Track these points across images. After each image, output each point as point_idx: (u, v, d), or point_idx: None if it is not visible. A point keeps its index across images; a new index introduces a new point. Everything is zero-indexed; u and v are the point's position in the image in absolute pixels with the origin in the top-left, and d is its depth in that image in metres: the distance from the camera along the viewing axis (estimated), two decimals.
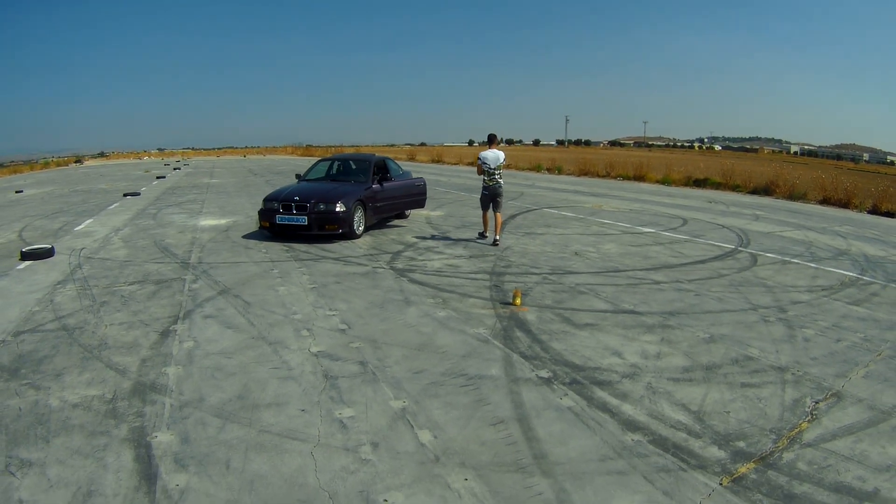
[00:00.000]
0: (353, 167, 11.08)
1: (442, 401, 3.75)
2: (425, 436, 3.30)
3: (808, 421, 3.56)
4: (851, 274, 7.64)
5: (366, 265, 7.76)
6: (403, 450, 3.15)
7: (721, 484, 2.87)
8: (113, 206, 14.70)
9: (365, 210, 9.94)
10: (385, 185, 10.68)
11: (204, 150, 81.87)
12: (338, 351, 4.62)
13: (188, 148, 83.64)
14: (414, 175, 12.37)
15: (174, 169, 33.70)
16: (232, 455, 3.09)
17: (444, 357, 4.49)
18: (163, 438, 3.28)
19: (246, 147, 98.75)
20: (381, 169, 11.01)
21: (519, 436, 3.30)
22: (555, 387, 3.98)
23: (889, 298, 6.52)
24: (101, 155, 60.72)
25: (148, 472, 2.96)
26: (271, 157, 57.08)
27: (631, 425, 3.46)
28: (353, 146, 77.14)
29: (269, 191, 13.51)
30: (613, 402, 3.76)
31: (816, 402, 3.82)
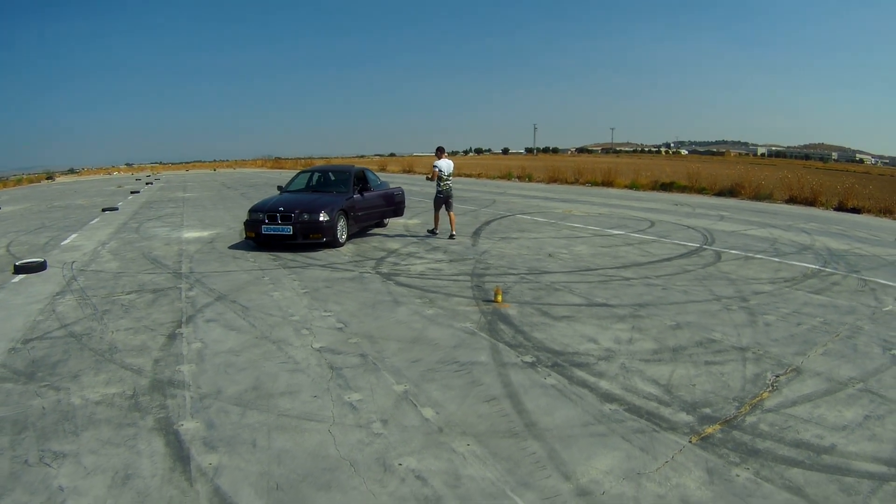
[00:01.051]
0: (334, 178, 11.44)
1: (439, 384, 4.16)
2: (428, 412, 3.71)
3: (769, 391, 4.05)
4: (814, 266, 8.26)
5: (352, 270, 8.12)
6: (410, 424, 3.55)
7: (690, 441, 3.33)
8: (94, 221, 14.77)
9: (347, 219, 10.30)
10: (365, 194, 11.06)
11: (172, 164, 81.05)
12: (338, 346, 4.99)
13: (156, 162, 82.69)
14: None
15: (146, 184, 33.54)
16: (256, 436, 3.45)
17: (437, 348, 4.90)
18: (189, 426, 3.61)
19: (215, 161, 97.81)
20: (361, 179, 11.39)
21: (510, 409, 3.73)
22: (539, 369, 4.42)
23: (850, 287, 7.10)
24: (72, 171, 59.87)
25: (181, 455, 3.28)
26: (242, 171, 56.86)
27: (608, 397, 3.92)
28: (322, 158, 77.33)
29: (246, 203, 13.79)
30: (591, 379, 4.22)
31: (777, 376, 4.31)
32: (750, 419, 3.61)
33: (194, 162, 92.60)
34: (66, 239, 11.70)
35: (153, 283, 7.60)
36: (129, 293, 7.06)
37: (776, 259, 8.77)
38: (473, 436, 3.39)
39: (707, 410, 3.73)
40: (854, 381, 4.24)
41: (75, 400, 4.06)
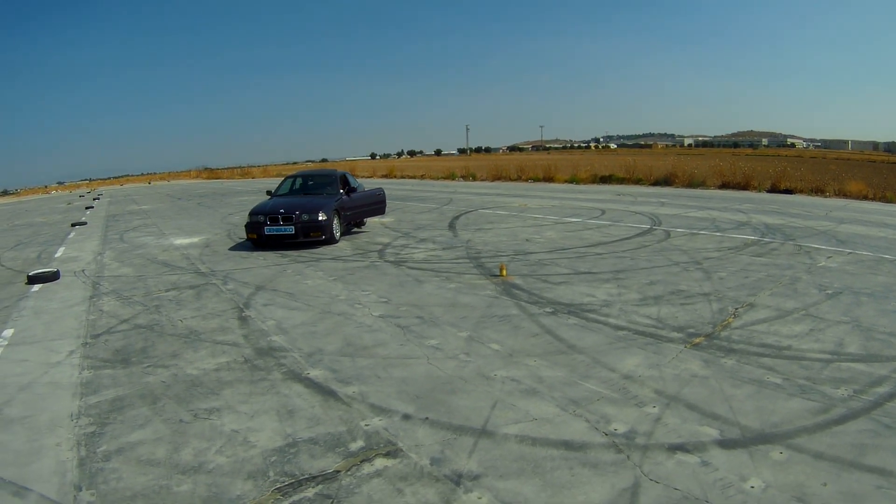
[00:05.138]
0: (322, 181, 12.43)
1: (491, 330, 5.41)
2: (494, 346, 4.97)
3: (733, 318, 5.53)
4: (753, 237, 9.94)
5: (363, 261, 9.20)
6: (486, 354, 4.79)
7: (686, 347, 4.77)
8: (72, 235, 14.96)
9: (339, 218, 11.33)
10: (352, 195, 12.13)
11: (101, 179, 77.80)
12: (394, 313, 6.13)
13: (86, 179, 79.10)
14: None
15: (94, 199, 32.76)
16: (376, 372, 4.54)
17: (474, 309, 6.14)
18: (315, 373, 4.60)
19: (143, 174, 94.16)
20: (345, 182, 12.44)
21: (552, 340, 5.05)
22: (559, 315, 5.76)
23: (787, 251, 8.71)
24: (6, 193, 56.60)
25: (325, 391, 4.24)
26: (178, 183, 55.51)
27: (618, 328, 5.31)
28: (257, 166, 76.23)
29: (207, 212, 14.55)
30: (601, 318, 5.61)
31: (736, 309, 5.81)
32: (724, 333, 5.08)
33: (124, 176, 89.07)
34: (56, 252, 12.04)
35: (183, 281, 8.37)
36: (167, 291, 7.81)
37: (718, 233, 10.48)
38: (536, 356, 4.68)
39: (691, 330, 5.18)
40: (798, 310, 5.74)
41: (192, 371, 4.72)
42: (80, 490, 3.10)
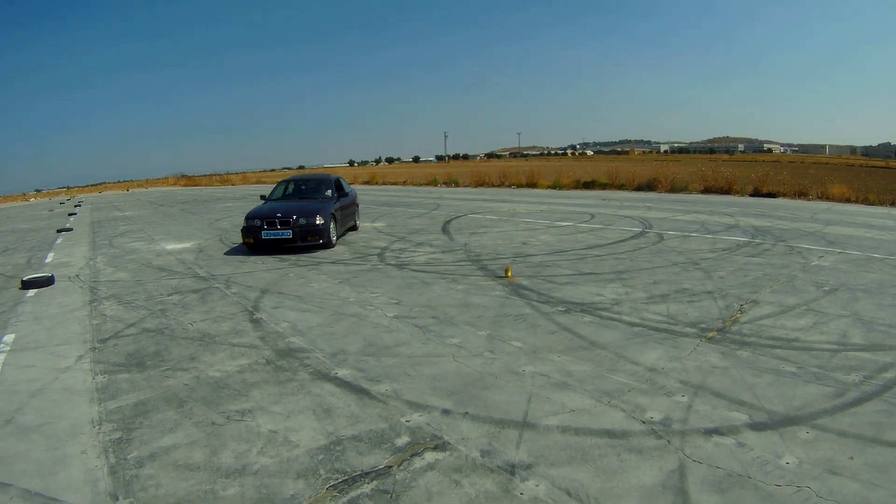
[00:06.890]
0: (317, 186, 12.45)
1: (509, 328, 5.51)
2: (517, 343, 5.06)
3: (740, 313, 5.73)
4: (744, 239, 10.23)
5: (364, 264, 9.23)
6: (510, 351, 4.89)
7: (701, 341, 4.93)
8: (59, 241, 14.70)
9: (335, 222, 11.35)
10: (345, 200, 12.18)
11: (79, 187, 76.37)
12: (408, 314, 6.19)
13: (64, 187, 77.55)
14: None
15: (75, 206, 32.18)
16: (405, 370, 4.59)
17: (488, 308, 6.24)
18: (343, 372, 4.61)
19: (120, 181, 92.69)
20: (339, 186, 12.48)
21: (571, 336, 5.17)
22: (573, 313, 5.89)
23: (779, 251, 9.00)
24: None
25: (357, 388, 4.28)
26: (156, 190, 54.76)
27: (633, 324, 5.46)
28: (235, 173, 75.71)
29: (192, 218, 14.54)
30: (615, 316, 5.76)
31: (741, 305, 6.02)
32: (734, 328, 5.27)
33: (101, 183, 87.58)
34: (46, 257, 11.84)
35: (184, 285, 8.31)
36: (169, 295, 7.73)
37: (710, 236, 10.75)
38: (559, 352, 4.80)
39: (703, 325, 5.36)
40: (800, 305, 5.98)
41: (214, 373, 4.64)
42: (118, 499, 3.02)
